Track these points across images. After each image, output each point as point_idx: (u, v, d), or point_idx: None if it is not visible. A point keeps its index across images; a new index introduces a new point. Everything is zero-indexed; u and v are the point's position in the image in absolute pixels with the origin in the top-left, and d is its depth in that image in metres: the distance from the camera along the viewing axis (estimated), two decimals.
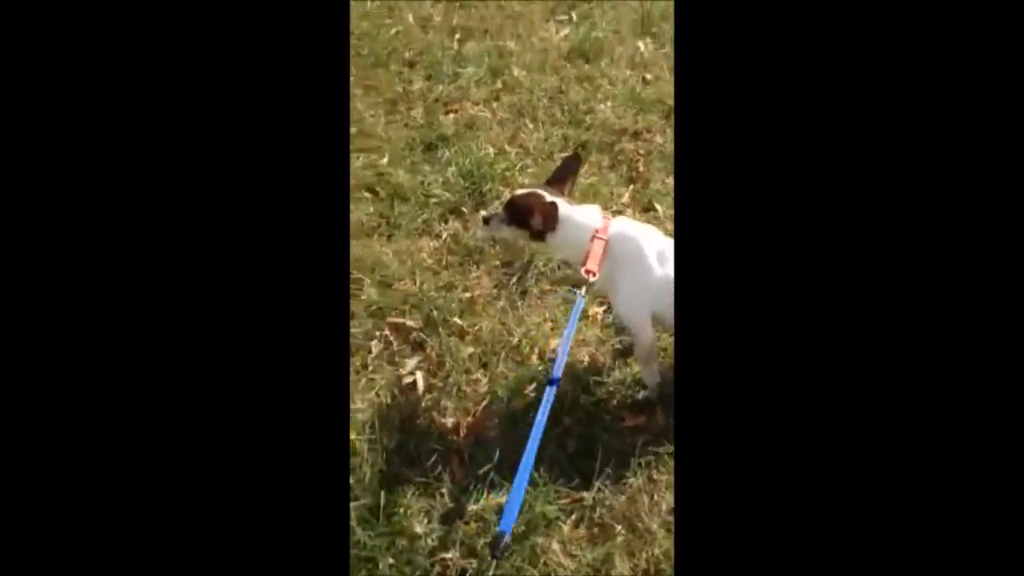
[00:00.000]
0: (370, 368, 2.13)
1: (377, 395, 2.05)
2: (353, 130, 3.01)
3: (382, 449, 1.90)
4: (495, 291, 2.35)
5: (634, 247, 1.87)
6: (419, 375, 2.11)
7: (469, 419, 1.99)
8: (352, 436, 1.92)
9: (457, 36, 3.62)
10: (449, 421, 1.99)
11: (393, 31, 3.65)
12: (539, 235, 1.93)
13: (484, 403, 2.02)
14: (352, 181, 2.74)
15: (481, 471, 1.85)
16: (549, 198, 1.90)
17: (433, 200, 2.66)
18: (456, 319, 2.24)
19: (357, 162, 2.84)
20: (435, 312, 2.25)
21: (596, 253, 1.83)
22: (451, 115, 3.11)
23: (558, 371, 1.64)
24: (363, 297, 2.32)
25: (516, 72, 3.32)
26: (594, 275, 1.80)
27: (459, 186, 2.71)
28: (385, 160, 2.85)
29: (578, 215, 1.91)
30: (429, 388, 2.08)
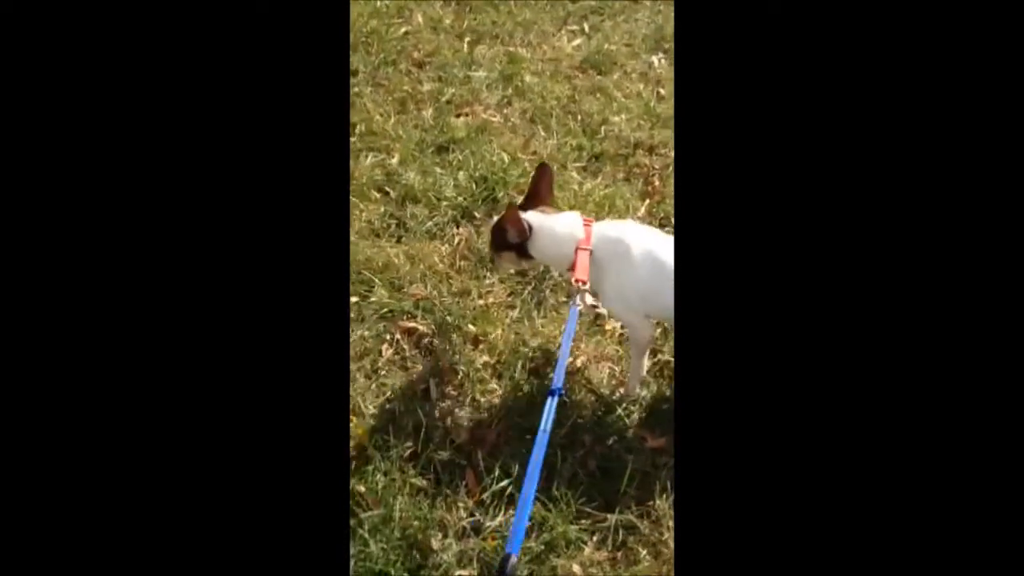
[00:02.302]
0: (382, 373, 2.04)
1: (388, 402, 1.96)
2: (361, 128, 2.93)
3: (396, 458, 1.81)
4: (509, 299, 2.27)
5: (615, 248, 1.84)
6: (432, 382, 2.02)
7: (485, 430, 1.91)
8: (364, 443, 1.84)
9: (468, 39, 3.56)
10: (463, 432, 1.90)
11: (402, 31, 3.58)
12: (523, 250, 1.92)
13: (500, 414, 1.95)
14: (361, 180, 2.66)
15: (498, 485, 1.77)
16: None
17: (444, 203, 2.58)
18: (470, 326, 2.16)
19: (366, 161, 2.76)
20: (449, 318, 2.18)
21: (583, 264, 1.80)
22: (462, 118, 3.04)
23: (558, 381, 1.58)
24: (373, 299, 2.23)
25: (528, 79, 3.27)
26: (584, 283, 1.78)
27: (471, 190, 2.64)
28: (395, 160, 2.77)
29: (551, 222, 1.89)
30: (442, 396, 2.00)
